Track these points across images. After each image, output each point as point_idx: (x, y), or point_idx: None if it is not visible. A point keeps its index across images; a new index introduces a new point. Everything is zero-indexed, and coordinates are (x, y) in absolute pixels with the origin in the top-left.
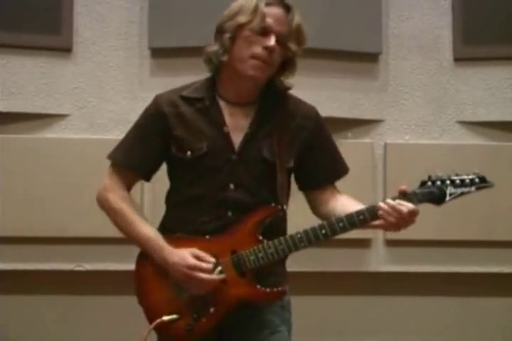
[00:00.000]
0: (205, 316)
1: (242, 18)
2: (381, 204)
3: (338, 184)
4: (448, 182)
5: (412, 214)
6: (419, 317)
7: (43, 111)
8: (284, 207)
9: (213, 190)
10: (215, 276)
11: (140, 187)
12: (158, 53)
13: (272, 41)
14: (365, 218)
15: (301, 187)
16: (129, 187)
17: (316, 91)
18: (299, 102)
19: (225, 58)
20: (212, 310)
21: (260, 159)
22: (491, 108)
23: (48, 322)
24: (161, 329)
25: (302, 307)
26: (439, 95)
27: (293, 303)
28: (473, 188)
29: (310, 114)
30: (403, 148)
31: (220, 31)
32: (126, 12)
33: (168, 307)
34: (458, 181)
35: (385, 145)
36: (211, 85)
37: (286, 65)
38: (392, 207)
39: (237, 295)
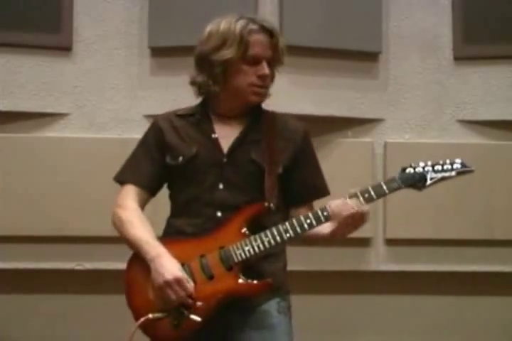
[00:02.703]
0: (194, 310)
1: (229, 52)
2: (332, 207)
3: (338, 184)
4: (429, 167)
5: (363, 214)
6: (419, 316)
7: (43, 110)
8: (272, 205)
9: (203, 191)
10: (181, 296)
11: None
12: (158, 52)
13: (265, 70)
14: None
15: (285, 204)
16: (140, 203)
17: (316, 90)
18: (288, 118)
19: (216, 89)
20: (199, 303)
21: (248, 161)
22: (491, 107)
23: (48, 322)
24: (148, 328)
25: (302, 307)
26: (439, 94)
27: (293, 302)
28: (453, 173)
29: (299, 129)
30: (403, 147)
31: (205, 62)
32: (126, 11)
33: (154, 306)
34: (438, 166)
35: (385, 145)
36: (202, 104)
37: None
38: (344, 204)
39: (223, 288)
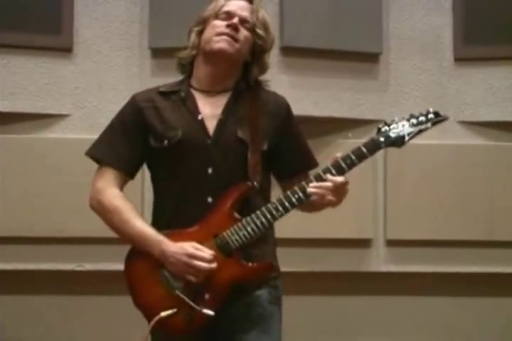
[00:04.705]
0: (203, 303)
1: (206, 13)
2: (309, 189)
3: None
4: (404, 122)
5: (341, 186)
6: (419, 317)
7: (44, 111)
8: (255, 183)
9: (192, 176)
10: (213, 265)
11: (140, 186)
12: (159, 53)
13: (234, 19)
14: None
15: (276, 178)
16: (120, 187)
17: (316, 91)
18: (270, 92)
19: (194, 52)
20: (207, 296)
21: (235, 140)
22: (491, 108)
23: (48, 322)
24: (160, 327)
25: (302, 307)
26: (439, 95)
27: (293, 303)
28: (429, 124)
29: (282, 103)
30: (403, 147)
31: (189, 33)
32: (127, 12)
33: (163, 303)
34: (413, 120)
35: None
36: (186, 80)
37: (257, 58)
38: (319, 187)
39: (229, 276)
